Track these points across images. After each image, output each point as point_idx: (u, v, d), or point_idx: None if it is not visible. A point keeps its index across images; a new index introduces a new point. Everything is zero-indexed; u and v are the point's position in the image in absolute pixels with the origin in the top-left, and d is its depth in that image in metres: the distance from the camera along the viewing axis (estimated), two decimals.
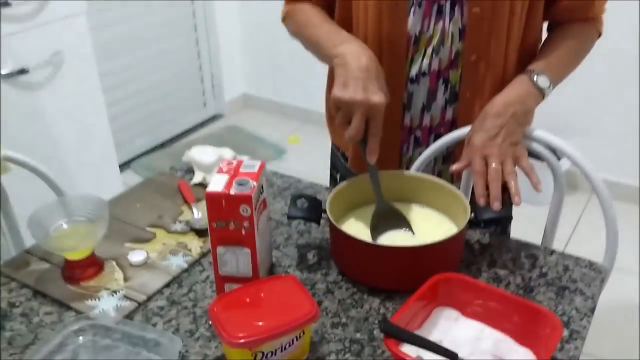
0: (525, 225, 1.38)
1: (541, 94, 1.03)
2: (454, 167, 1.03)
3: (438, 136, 1.15)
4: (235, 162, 0.90)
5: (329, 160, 1.36)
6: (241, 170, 0.89)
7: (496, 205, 0.94)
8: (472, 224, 0.97)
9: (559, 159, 1.10)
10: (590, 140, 2.62)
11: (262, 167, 0.91)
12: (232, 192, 0.84)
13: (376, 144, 0.96)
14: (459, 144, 1.10)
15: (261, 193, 0.90)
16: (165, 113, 3.28)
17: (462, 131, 1.10)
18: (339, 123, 0.96)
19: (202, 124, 3.52)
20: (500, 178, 0.96)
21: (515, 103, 1.01)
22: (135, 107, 3.09)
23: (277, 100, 3.59)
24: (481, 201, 0.95)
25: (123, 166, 3.03)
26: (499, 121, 1.00)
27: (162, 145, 3.27)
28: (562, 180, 1.09)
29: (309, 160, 2.99)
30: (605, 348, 1.95)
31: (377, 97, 0.92)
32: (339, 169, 1.31)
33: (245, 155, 1.28)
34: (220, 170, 0.88)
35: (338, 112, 0.95)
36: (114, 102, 2.91)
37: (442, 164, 1.20)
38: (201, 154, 1.23)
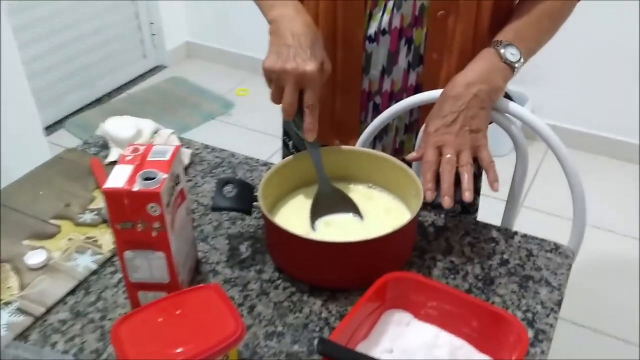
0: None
1: (510, 68, 0.88)
2: (409, 156, 0.89)
3: None
4: (142, 149, 0.75)
5: (281, 120, 1.21)
6: (149, 158, 0.73)
7: (446, 201, 0.80)
8: (429, 203, 0.85)
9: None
10: (576, 92, 2.53)
11: (176, 151, 0.75)
12: (135, 188, 0.69)
13: (312, 118, 0.83)
14: (424, 110, 0.96)
15: (177, 184, 0.75)
16: (100, 65, 3.02)
17: (424, 96, 0.96)
18: (273, 96, 0.83)
19: (142, 76, 3.26)
20: (453, 170, 0.83)
21: (478, 82, 0.86)
22: (64, 60, 2.82)
23: (224, 49, 3.35)
24: (427, 195, 0.81)
25: (55, 126, 2.80)
26: (457, 105, 0.85)
27: (99, 101, 3.03)
28: (524, 149, 0.96)
29: (259, 114, 2.81)
30: (588, 313, 1.91)
31: (310, 65, 0.79)
32: (292, 137, 1.16)
33: (170, 124, 1.12)
34: (122, 160, 0.73)
35: (271, 85, 0.81)
36: (37, 55, 2.64)
37: (404, 134, 1.06)
38: (117, 127, 1.06)
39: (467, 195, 0.81)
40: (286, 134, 1.19)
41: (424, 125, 0.90)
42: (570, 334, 1.84)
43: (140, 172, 0.70)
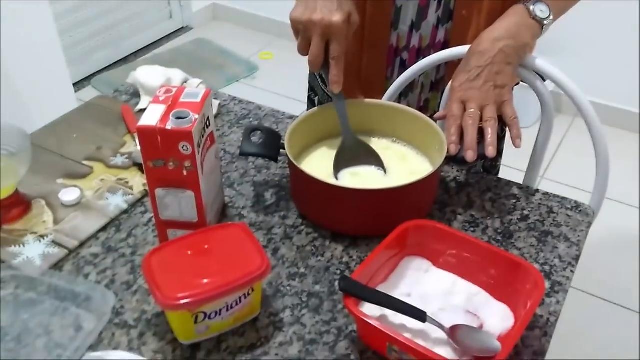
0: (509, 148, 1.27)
1: (539, 25, 0.88)
2: (436, 115, 0.90)
3: None
4: (174, 90, 0.77)
5: (307, 80, 1.22)
6: (181, 99, 0.75)
7: (469, 154, 0.81)
8: (452, 159, 0.86)
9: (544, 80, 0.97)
10: (578, 60, 2.49)
11: (207, 95, 0.77)
12: (169, 126, 0.71)
13: (338, 70, 0.84)
14: (451, 68, 0.96)
15: (207, 127, 0.78)
16: (127, 25, 3.04)
17: (452, 52, 0.96)
18: (300, 48, 0.84)
19: (168, 37, 3.28)
20: (476, 124, 0.83)
21: (505, 38, 0.86)
22: (92, 18, 2.85)
23: (250, 11, 3.34)
24: (451, 148, 0.83)
25: (83, 82, 2.84)
26: (482, 60, 0.86)
27: (125, 60, 3.06)
28: (550, 107, 0.97)
29: (283, 78, 2.82)
30: (600, 284, 1.92)
31: (337, 16, 0.80)
32: (318, 93, 1.17)
33: (197, 78, 1.14)
34: (155, 100, 0.75)
35: (298, 37, 0.83)
36: (67, 12, 2.67)
37: (430, 91, 1.07)
38: (147, 75, 1.09)
39: (491, 150, 0.82)
40: (312, 89, 1.20)
41: (450, 81, 0.91)
42: (582, 304, 1.86)
43: (173, 111, 0.72)
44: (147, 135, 0.71)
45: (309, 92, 1.22)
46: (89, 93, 2.76)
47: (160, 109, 0.73)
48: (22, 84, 1.87)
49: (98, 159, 0.96)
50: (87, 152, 0.98)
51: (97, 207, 0.87)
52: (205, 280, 0.66)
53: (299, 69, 1.23)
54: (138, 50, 3.13)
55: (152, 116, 0.72)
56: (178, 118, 0.71)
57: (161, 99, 0.75)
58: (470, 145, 0.82)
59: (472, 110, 0.84)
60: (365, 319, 0.64)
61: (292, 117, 1.09)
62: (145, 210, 0.88)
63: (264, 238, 0.84)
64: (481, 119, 0.84)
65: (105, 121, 1.05)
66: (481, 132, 0.84)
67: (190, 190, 0.76)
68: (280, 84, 2.80)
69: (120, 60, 3.05)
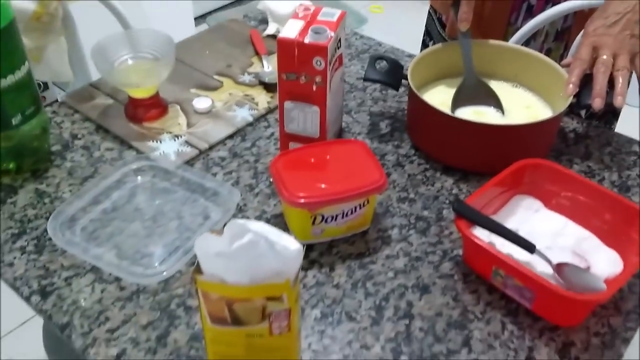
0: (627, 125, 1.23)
1: None
2: (563, 61, 0.88)
3: None
4: (312, 8, 0.81)
5: (423, 27, 1.22)
6: (319, 17, 0.79)
7: (597, 102, 0.79)
8: (571, 111, 0.85)
9: None
10: None
11: (342, 16, 0.80)
12: (306, 40, 0.75)
13: (468, 7, 0.85)
14: (580, 18, 0.94)
15: (338, 48, 0.81)
16: None
17: (583, 1, 0.93)
18: None
19: None
20: (608, 72, 0.81)
21: None
22: None
23: None
24: (569, 89, 0.81)
25: (198, 19, 2.96)
26: (623, 6, 0.82)
27: (240, 1, 3.15)
28: None
29: (393, 33, 2.79)
30: None
31: None
32: (434, 37, 1.18)
33: None
34: (295, 16, 0.79)
35: None
36: None
37: (554, 41, 1.04)
38: (277, 2, 1.13)
39: (620, 100, 0.80)
40: (428, 33, 1.21)
41: (584, 28, 0.89)
42: None
43: (312, 26, 0.76)
44: (285, 47, 0.76)
45: (424, 37, 1.23)
46: (203, 29, 2.88)
47: (299, 24, 0.78)
48: (150, 12, 1.99)
49: (227, 75, 1.03)
50: (218, 68, 1.05)
51: (226, 117, 0.94)
52: (325, 186, 0.71)
53: (408, 24, 1.23)
54: None
55: (291, 30, 0.77)
56: (316, 33, 0.75)
57: (300, 15, 0.79)
58: (599, 93, 0.80)
59: (605, 57, 0.82)
60: (476, 240, 0.67)
61: (410, 56, 1.10)
62: (268, 125, 0.94)
63: None
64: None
65: (234, 42, 1.12)
66: (610, 82, 0.82)
67: (316, 105, 0.80)
68: (388, 38, 2.77)
69: (235, 1, 3.14)
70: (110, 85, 0.96)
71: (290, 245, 0.51)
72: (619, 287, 0.65)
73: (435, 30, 1.16)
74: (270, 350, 0.56)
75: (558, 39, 1.04)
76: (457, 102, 0.91)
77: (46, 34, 1.01)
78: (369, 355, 0.62)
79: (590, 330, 0.65)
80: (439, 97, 0.92)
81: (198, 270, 0.51)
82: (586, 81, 0.83)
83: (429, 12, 1.18)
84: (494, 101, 0.91)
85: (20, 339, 1.58)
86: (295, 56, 0.76)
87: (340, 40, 0.81)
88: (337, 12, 0.80)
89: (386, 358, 0.62)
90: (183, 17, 2.14)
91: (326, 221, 0.72)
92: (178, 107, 0.95)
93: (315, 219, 0.71)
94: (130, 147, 0.88)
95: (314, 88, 0.79)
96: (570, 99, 0.82)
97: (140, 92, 0.90)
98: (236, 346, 0.55)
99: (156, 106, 0.93)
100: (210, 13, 3.01)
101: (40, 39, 1.00)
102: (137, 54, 0.91)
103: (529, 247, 0.68)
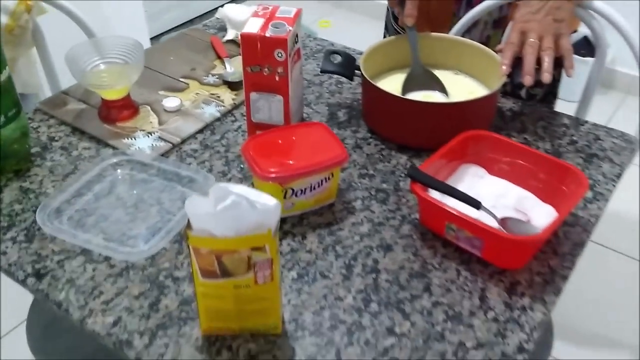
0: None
1: None
2: (497, 47, 1.00)
3: None
4: (270, 7, 0.89)
5: (369, 41, 1.33)
6: (277, 14, 0.88)
7: (527, 79, 0.91)
8: (513, 94, 0.95)
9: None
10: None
11: (298, 13, 0.89)
12: (267, 34, 0.83)
13: (413, 5, 0.96)
14: (514, 7, 1.06)
15: (296, 42, 0.89)
16: None
17: None
18: None
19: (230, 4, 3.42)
20: (536, 52, 0.92)
21: None
22: None
23: None
24: (502, 69, 0.92)
25: (153, 40, 3.01)
26: None
27: (191, 22, 3.22)
28: (603, 40, 1.04)
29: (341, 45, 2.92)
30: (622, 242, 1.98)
31: None
32: (389, 30, 1.29)
33: None
34: (255, 14, 0.87)
35: None
36: None
37: (492, 28, 1.16)
38: (235, 10, 1.21)
39: (546, 77, 0.91)
40: (386, 27, 1.31)
41: (513, 16, 1.00)
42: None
43: (272, 22, 0.84)
44: (249, 42, 0.84)
45: (384, 31, 1.34)
46: None
47: (260, 21, 0.86)
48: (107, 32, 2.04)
49: (193, 78, 1.10)
50: (183, 72, 1.12)
51: (195, 114, 1.01)
52: (293, 162, 0.79)
53: (356, 38, 1.33)
54: (207, 12, 3.30)
55: (253, 26, 0.85)
56: (275, 27, 0.84)
57: (260, 13, 0.88)
58: (528, 71, 0.91)
59: (532, 40, 0.93)
60: (429, 199, 0.76)
61: (362, 53, 1.20)
62: (235, 119, 1.01)
63: None
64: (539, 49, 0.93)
65: (196, 49, 1.19)
66: (538, 62, 0.93)
67: (280, 95, 0.88)
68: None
69: (187, 22, 3.21)
70: (84, 88, 1.02)
71: (269, 201, 0.59)
72: (553, 229, 0.75)
73: (391, 25, 1.27)
74: (256, 300, 0.63)
75: (496, 26, 1.16)
76: (406, 88, 1.00)
77: (17, 47, 1.06)
78: (342, 305, 0.70)
79: (533, 270, 0.75)
80: (390, 85, 1.02)
81: (189, 227, 0.58)
82: (517, 63, 0.94)
83: (387, 7, 1.30)
84: (439, 87, 1.01)
85: (20, 339, 1.58)
86: (258, 49, 0.84)
87: (297, 35, 0.90)
88: (294, 10, 0.89)
89: (358, 305, 0.70)
90: (139, 37, 2.20)
91: (296, 195, 0.79)
92: (149, 108, 1.02)
93: (286, 192, 0.79)
94: (107, 145, 0.94)
95: (277, 78, 0.87)
96: (504, 78, 0.93)
97: (113, 94, 0.96)
98: (225, 298, 0.62)
99: (128, 107, 0.99)
100: (163, 34, 3.06)
101: (12, 51, 1.05)
102: (108, 59, 0.97)
103: (475, 204, 0.78)
